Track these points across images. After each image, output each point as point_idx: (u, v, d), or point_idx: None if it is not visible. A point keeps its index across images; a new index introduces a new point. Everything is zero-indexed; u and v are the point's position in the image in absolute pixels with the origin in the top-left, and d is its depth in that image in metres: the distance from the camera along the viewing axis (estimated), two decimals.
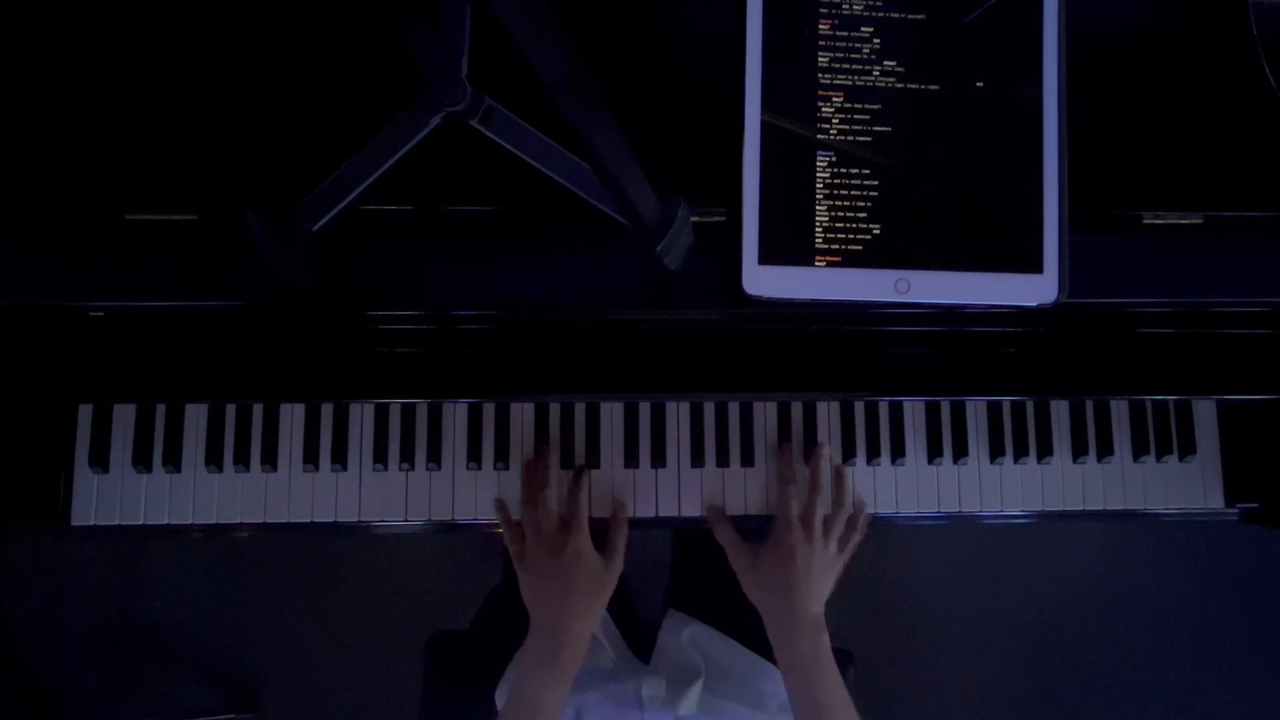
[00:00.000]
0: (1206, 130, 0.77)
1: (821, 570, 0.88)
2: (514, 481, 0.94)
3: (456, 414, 0.95)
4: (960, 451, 0.96)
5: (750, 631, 1.02)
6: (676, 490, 0.95)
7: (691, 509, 0.95)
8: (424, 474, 0.94)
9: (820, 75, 0.70)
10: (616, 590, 0.90)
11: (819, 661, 0.84)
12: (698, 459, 0.95)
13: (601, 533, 0.92)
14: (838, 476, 0.93)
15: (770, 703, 0.97)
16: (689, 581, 1.14)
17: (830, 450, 0.95)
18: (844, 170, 0.69)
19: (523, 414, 0.95)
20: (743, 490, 0.96)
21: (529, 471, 0.93)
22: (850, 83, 0.70)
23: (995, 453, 0.97)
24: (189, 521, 0.92)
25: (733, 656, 1.00)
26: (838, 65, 0.70)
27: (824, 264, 0.69)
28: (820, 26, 0.70)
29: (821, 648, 0.85)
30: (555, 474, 0.92)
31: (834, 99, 0.70)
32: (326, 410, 0.93)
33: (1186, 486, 0.98)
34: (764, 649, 1.01)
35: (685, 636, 1.00)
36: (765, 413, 0.96)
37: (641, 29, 0.75)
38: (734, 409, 0.96)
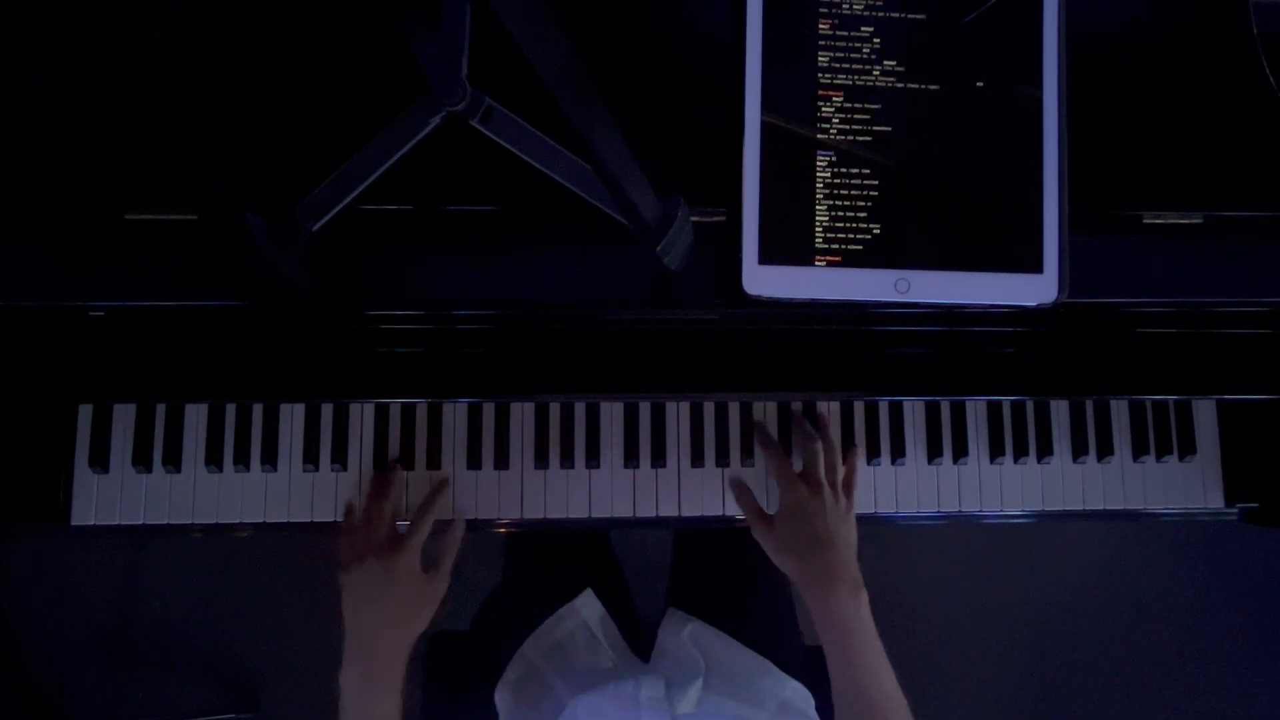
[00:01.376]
0: (1206, 130, 0.77)
1: (838, 518, 0.87)
2: (514, 481, 0.94)
3: (456, 414, 0.95)
4: (960, 451, 0.96)
5: (751, 630, 1.02)
6: (676, 490, 0.95)
7: (692, 509, 0.95)
8: (424, 474, 0.94)
9: (820, 75, 0.70)
10: (616, 588, 0.90)
11: (859, 619, 0.82)
12: (698, 459, 0.95)
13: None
14: (822, 427, 0.93)
15: (770, 701, 0.97)
16: (689, 580, 1.14)
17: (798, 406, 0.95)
18: (844, 170, 0.69)
19: (523, 414, 0.95)
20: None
21: (374, 480, 0.91)
22: (850, 83, 0.70)
23: (995, 453, 0.97)
24: (189, 521, 0.92)
25: (733, 655, 1.00)
26: (838, 65, 0.70)
27: (824, 264, 0.70)
28: (820, 26, 0.70)
29: (861, 606, 0.82)
30: (397, 487, 0.90)
31: (834, 99, 0.70)
32: (326, 410, 0.93)
33: (1186, 486, 0.98)
34: (764, 648, 1.01)
35: (685, 635, 1.00)
36: (765, 413, 0.96)
37: (641, 29, 0.75)
38: (734, 409, 0.96)
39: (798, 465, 0.91)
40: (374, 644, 0.83)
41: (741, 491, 0.93)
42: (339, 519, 0.93)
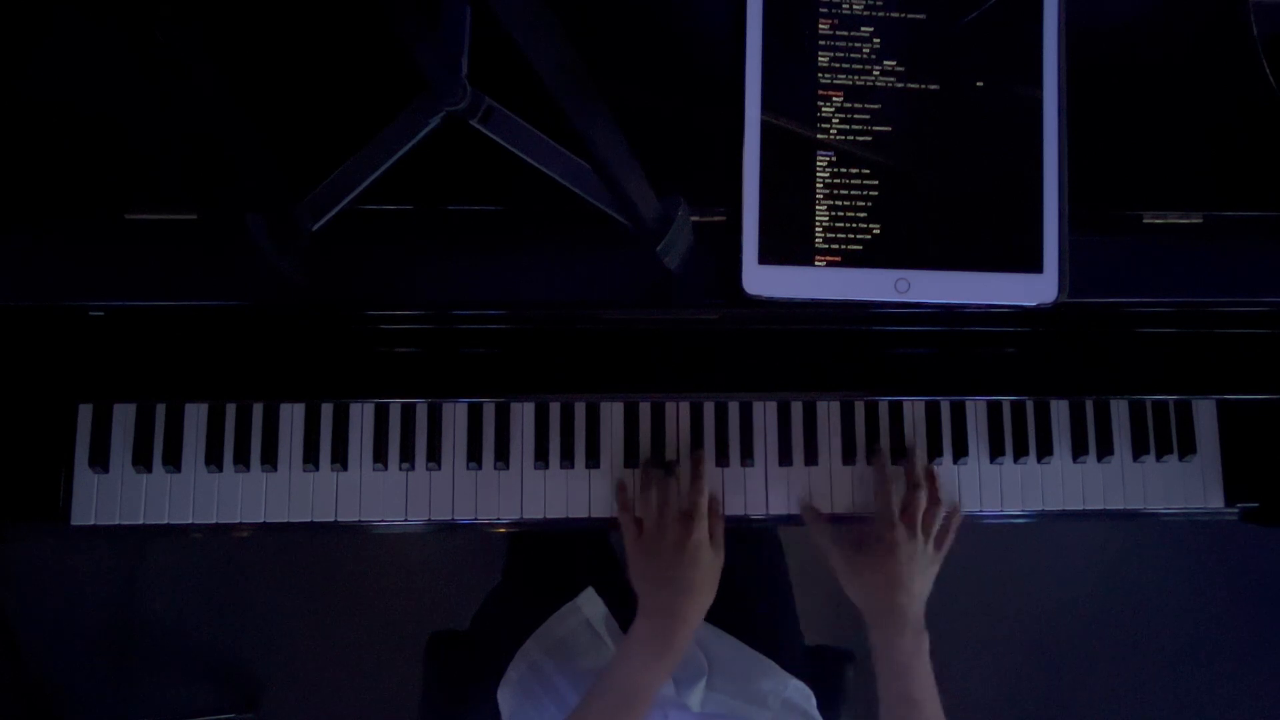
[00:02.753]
0: (1206, 130, 0.77)
1: (923, 567, 0.89)
2: (514, 480, 0.94)
3: (456, 414, 0.95)
4: (960, 451, 0.96)
5: (753, 630, 1.02)
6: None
7: None
8: (424, 474, 0.94)
9: (820, 75, 0.70)
10: (621, 587, 0.91)
11: (919, 660, 0.86)
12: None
13: None
14: (930, 476, 0.94)
15: (772, 700, 0.97)
16: None
17: (922, 452, 0.96)
18: (844, 170, 0.69)
19: (523, 414, 0.95)
20: (742, 489, 0.96)
21: (649, 475, 0.93)
22: (850, 83, 0.70)
23: (995, 452, 0.97)
24: (189, 521, 0.92)
25: (736, 655, 1.00)
26: (838, 65, 0.70)
27: (824, 264, 0.70)
28: (820, 26, 0.70)
29: (922, 649, 0.87)
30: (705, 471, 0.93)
31: (834, 99, 0.70)
32: (326, 410, 0.93)
33: (1186, 486, 0.98)
34: (766, 648, 1.01)
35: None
36: (765, 412, 0.96)
37: (641, 29, 0.75)
38: (734, 409, 0.96)
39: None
40: (678, 624, 0.85)
41: (815, 520, 0.94)
42: (339, 519, 0.93)
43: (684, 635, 0.85)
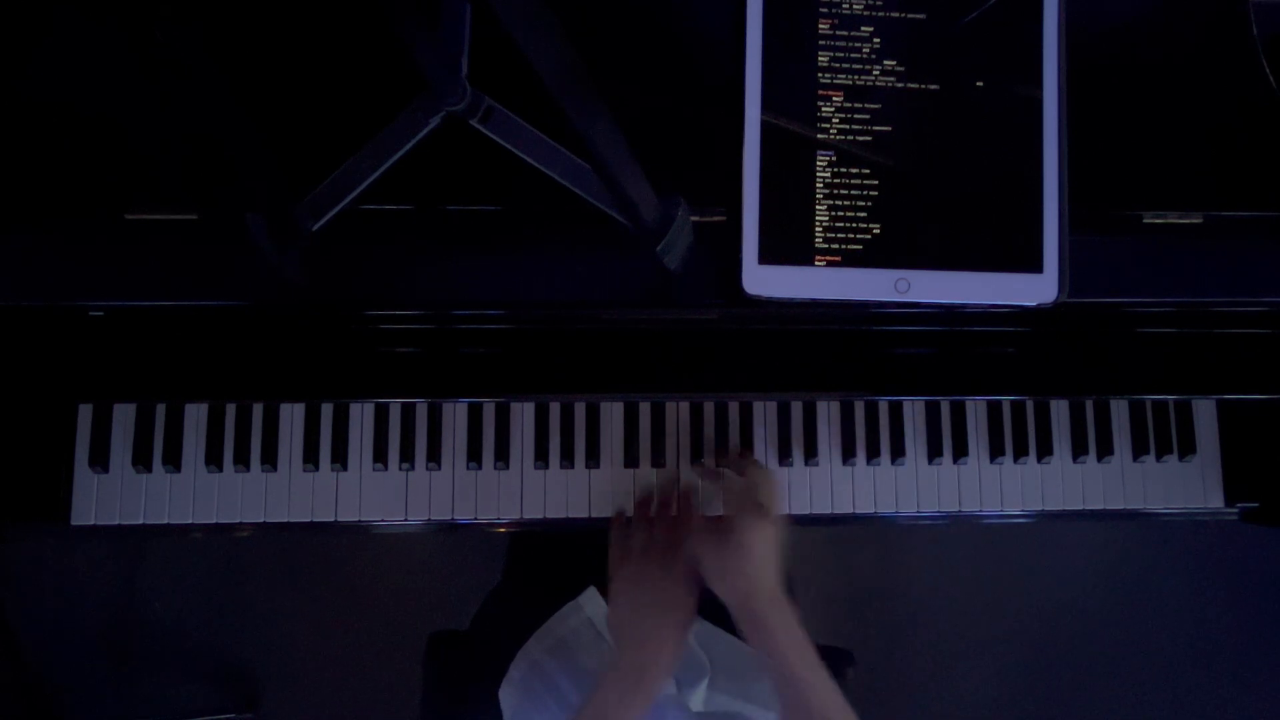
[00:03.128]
0: (1206, 130, 0.77)
1: (775, 543, 0.86)
2: (513, 481, 0.94)
3: (456, 414, 0.95)
4: (960, 451, 0.96)
5: None
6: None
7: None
8: (424, 474, 0.94)
9: (820, 75, 0.70)
10: None
11: (787, 633, 0.83)
12: (697, 459, 0.95)
13: None
14: (746, 454, 0.94)
15: (774, 701, 0.97)
16: None
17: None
18: (844, 170, 0.69)
19: (523, 414, 0.95)
20: None
21: (642, 492, 0.93)
22: (850, 82, 0.70)
23: (995, 452, 0.97)
24: (189, 521, 0.92)
25: (738, 655, 1.00)
26: (838, 65, 0.70)
27: (824, 264, 0.70)
28: (820, 26, 0.70)
29: (786, 621, 0.83)
30: (654, 494, 0.92)
31: (834, 99, 0.70)
32: (326, 410, 0.93)
33: (1186, 486, 0.98)
34: None
35: (691, 635, 1.00)
36: (765, 412, 0.96)
37: (641, 29, 0.75)
38: (734, 409, 0.96)
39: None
40: (656, 656, 0.82)
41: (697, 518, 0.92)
42: (339, 519, 0.93)
43: (664, 665, 0.83)
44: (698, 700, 0.93)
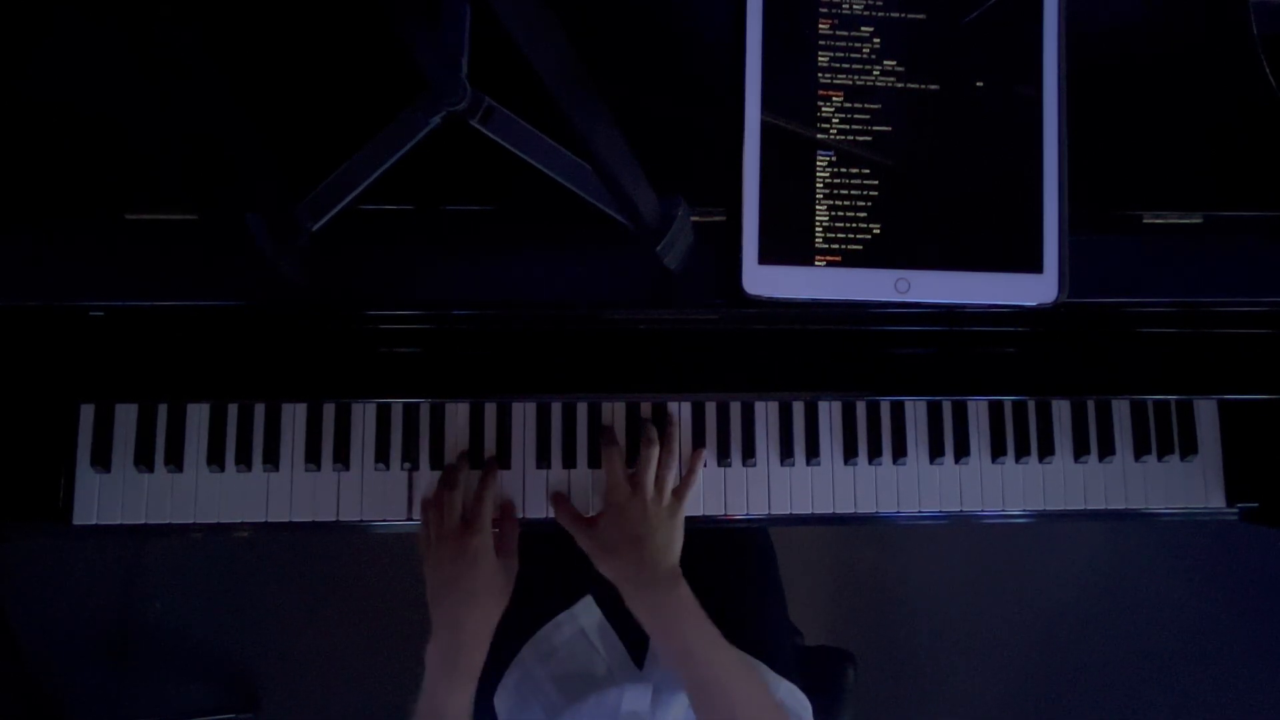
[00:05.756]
0: (1206, 130, 0.77)
1: (659, 519, 0.88)
2: (515, 481, 0.95)
3: (459, 414, 0.95)
4: (962, 451, 0.96)
5: (743, 633, 1.02)
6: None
7: (693, 509, 0.95)
8: (427, 473, 0.94)
9: (820, 75, 0.70)
10: (614, 593, 0.90)
11: (683, 611, 0.84)
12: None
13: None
14: (667, 433, 0.94)
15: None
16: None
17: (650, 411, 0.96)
18: (844, 170, 0.69)
19: (524, 414, 0.95)
20: (744, 489, 0.96)
21: (444, 474, 0.93)
22: (850, 82, 0.70)
23: (997, 452, 0.97)
24: (191, 521, 0.92)
25: None
26: (838, 65, 0.70)
27: (824, 264, 0.70)
28: (820, 26, 0.70)
29: (681, 599, 0.84)
30: (464, 476, 0.92)
31: (834, 99, 0.70)
32: (328, 410, 0.93)
33: (1187, 486, 0.98)
34: (756, 650, 1.00)
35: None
36: (767, 412, 0.97)
37: (641, 29, 0.75)
38: (735, 409, 0.96)
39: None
40: (460, 625, 0.85)
41: (559, 502, 0.94)
42: (341, 519, 0.93)
43: (472, 647, 0.84)
44: (682, 707, 0.93)
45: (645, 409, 0.97)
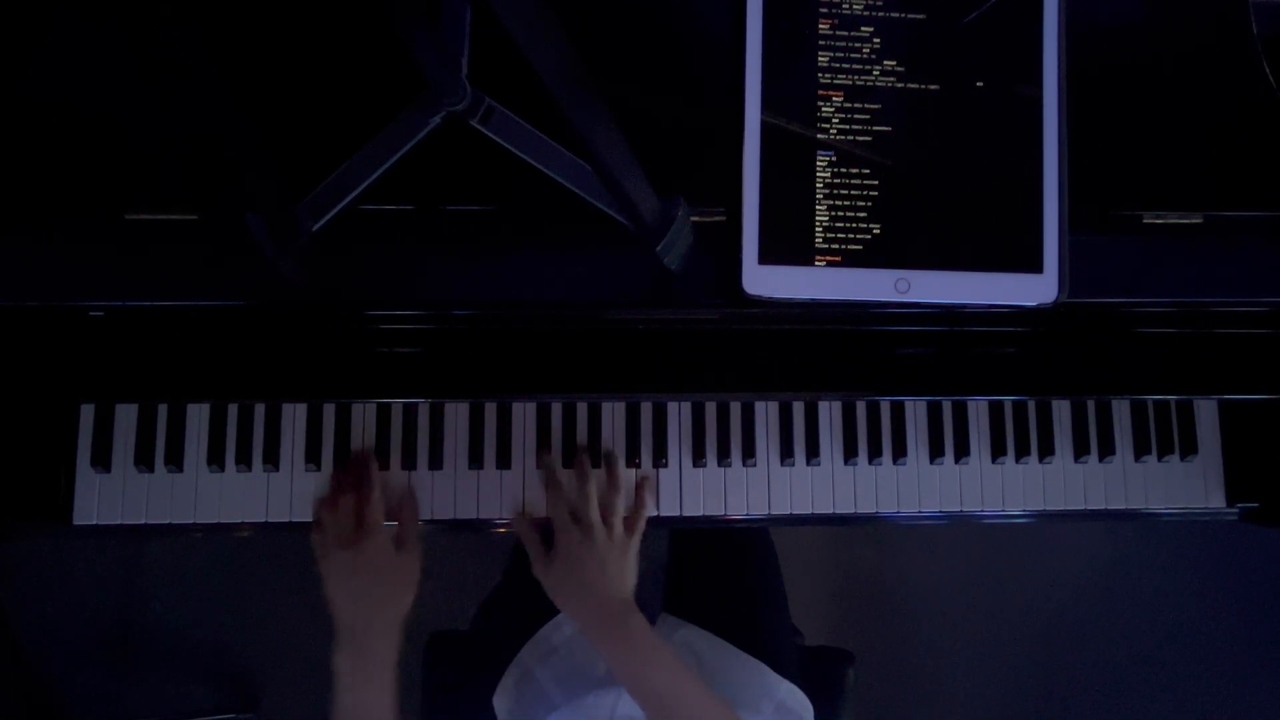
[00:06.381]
0: (1206, 130, 0.77)
1: (614, 557, 0.87)
2: (515, 481, 0.94)
3: (458, 414, 0.95)
4: (962, 451, 0.96)
5: (744, 634, 1.02)
6: (678, 490, 0.95)
7: (693, 509, 0.95)
8: (426, 473, 0.94)
9: (820, 75, 0.70)
10: None
11: (642, 645, 0.83)
12: (699, 459, 0.95)
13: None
14: (609, 462, 0.93)
15: (765, 705, 0.97)
16: (683, 584, 1.14)
17: (584, 444, 0.94)
18: (844, 170, 0.69)
19: (524, 414, 0.95)
20: (744, 490, 0.96)
21: (334, 475, 0.92)
22: (850, 83, 0.70)
23: (997, 452, 0.97)
24: (191, 521, 0.92)
25: (727, 659, 1.00)
26: (838, 65, 0.70)
27: (824, 264, 0.70)
28: (820, 26, 0.70)
29: (637, 634, 0.83)
30: (355, 479, 0.91)
31: (834, 99, 0.70)
32: (328, 410, 0.93)
33: (1188, 486, 0.98)
34: (759, 652, 1.01)
35: (678, 640, 1.00)
36: (767, 412, 0.96)
37: (641, 29, 0.75)
38: (735, 409, 0.96)
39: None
40: (357, 624, 0.84)
41: (526, 530, 0.92)
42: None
43: (377, 636, 0.83)
44: None
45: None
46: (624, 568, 0.88)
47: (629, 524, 0.90)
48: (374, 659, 0.83)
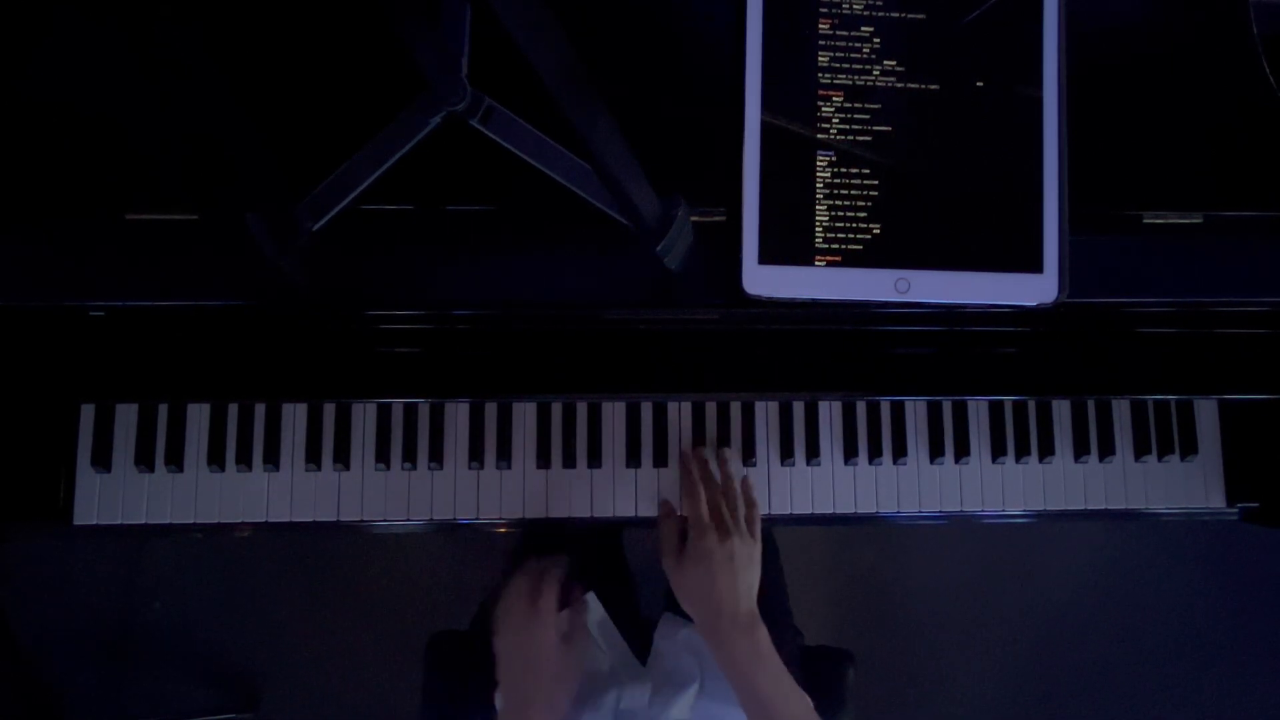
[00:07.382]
0: (1206, 130, 0.77)
1: (743, 563, 0.87)
2: (515, 481, 0.94)
3: (459, 414, 0.95)
4: (962, 451, 0.96)
5: None
6: (679, 490, 0.95)
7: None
8: (426, 473, 0.94)
9: (820, 75, 0.70)
10: (619, 590, 0.91)
11: (760, 659, 0.83)
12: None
13: None
14: (722, 466, 0.93)
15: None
16: None
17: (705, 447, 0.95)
18: (844, 170, 0.69)
19: (525, 414, 0.95)
20: None
21: (527, 568, 0.92)
22: (850, 82, 0.70)
23: (997, 452, 0.97)
24: (191, 521, 0.92)
25: None
26: (838, 65, 0.70)
27: (824, 264, 0.70)
28: (820, 26, 0.70)
29: (760, 644, 0.83)
30: (543, 576, 0.91)
31: (834, 99, 0.70)
32: (329, 410, 0.93)
33: (1188, 486, 0.98)
34: None
35: (680, 640, 1.00)
36: (767, 412, 0.96)
37: (641, 29, 0.75)
38: (735, 409, 0.96)
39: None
40: (526, 712, 0.85)
41: (669, 527, 0.92)
42: (341, 519, 0.93)
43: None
44: (684, 706, 0.93)
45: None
46: (754, 577, 0.87)
47: (749, 523, 0.90)
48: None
